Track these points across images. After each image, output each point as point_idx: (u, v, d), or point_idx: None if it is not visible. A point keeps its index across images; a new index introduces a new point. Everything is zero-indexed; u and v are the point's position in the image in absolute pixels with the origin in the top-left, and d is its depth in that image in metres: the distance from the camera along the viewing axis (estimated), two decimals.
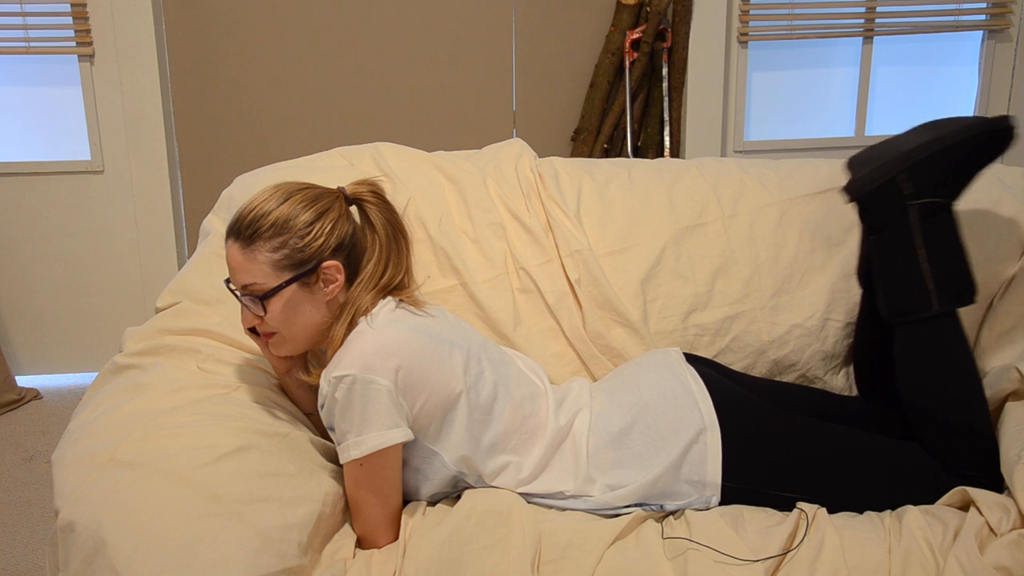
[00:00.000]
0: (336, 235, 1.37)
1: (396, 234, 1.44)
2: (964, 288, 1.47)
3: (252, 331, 1.41)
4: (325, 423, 1.33)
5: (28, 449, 2.70)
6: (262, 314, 1.36)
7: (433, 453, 1.35)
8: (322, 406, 1.32)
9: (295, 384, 1.51)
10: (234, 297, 1.43)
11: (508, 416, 1.41)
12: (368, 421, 1.27)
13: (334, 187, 1.43)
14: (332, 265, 1.36)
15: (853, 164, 1.58)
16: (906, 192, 1.47)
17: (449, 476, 1.37)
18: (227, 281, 1.40)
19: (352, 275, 1.40)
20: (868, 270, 1.63)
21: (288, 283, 1.35)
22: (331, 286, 1.37)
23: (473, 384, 1.37)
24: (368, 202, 1.42)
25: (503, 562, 1.22)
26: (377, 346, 1.30)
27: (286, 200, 1.36)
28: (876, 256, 1.52)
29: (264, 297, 1.35)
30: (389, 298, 1.40)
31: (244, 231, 1.34)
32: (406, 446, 1.34)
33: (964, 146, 1.47)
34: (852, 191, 1.53)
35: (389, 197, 1.46)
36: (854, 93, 3.37)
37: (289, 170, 1.83)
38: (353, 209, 1.45)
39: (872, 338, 1.66)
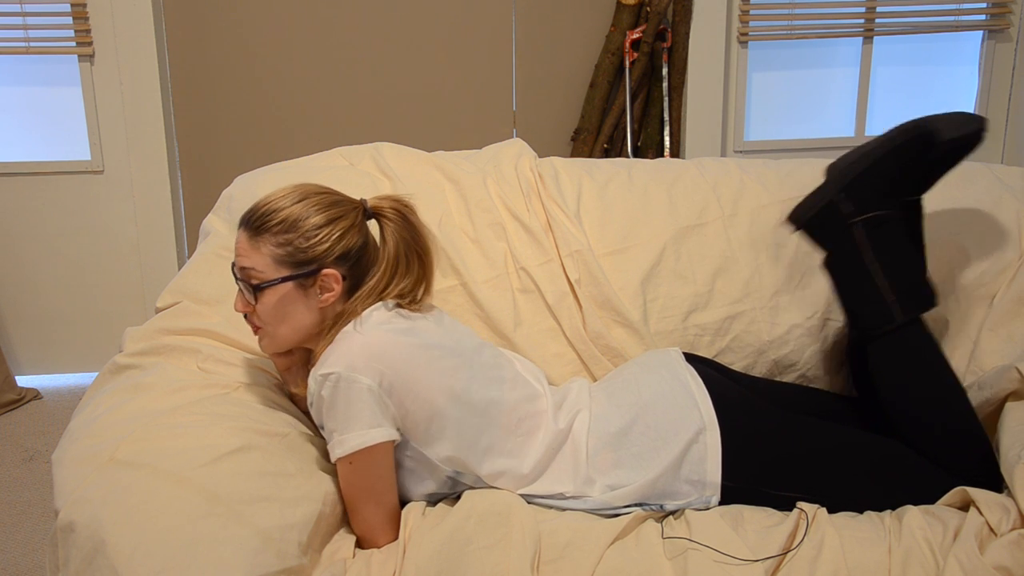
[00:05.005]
0: (343, 244, 1.37)
1: (410, 254, 1.41)
2: (923, 295, 1.49)
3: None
4: (315, 421, 1.34)
5: (28, 449, 2.70)
6: (253, 303, 1.37)
7: (424, 454, 1.35)
8: (311, 404, 1.32)
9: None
10: (236, 291, 1.43)
11: (504, 419, 1.40)
12: (351, 419, 1.27)
13: (360, 196, 1.43)
14: (331, 274, 1.36)
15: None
16: (846, 211, 1.50)
17: (444, 477, 1.37)
18: (233, 264, 1.40)
19: (354, 287, 1.40)
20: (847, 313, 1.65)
21: (284, 280, 1.35)
22: (327, 294, 1.37)
23: (464, 388, 1.37)
24: (387, 218, 1.40)
25: (503, 562, 1.22)
26: (362, 347, 1.30)
27: (301, 200, 1.36)
28: (833, 278, 1.55)
29: (258, 287, 1.36)
30: (381, 302, 1.39)
31: (254, 222, 1.36)
32: (397, 447, 1.34)
33: (893, 156, 1.50)
34: (795, 219, 1.55)
35: (415, 218, 1.42)
36: (854, 93, 3.37)
37: (289, 170, 1.83)
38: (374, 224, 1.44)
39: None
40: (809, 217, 1.52)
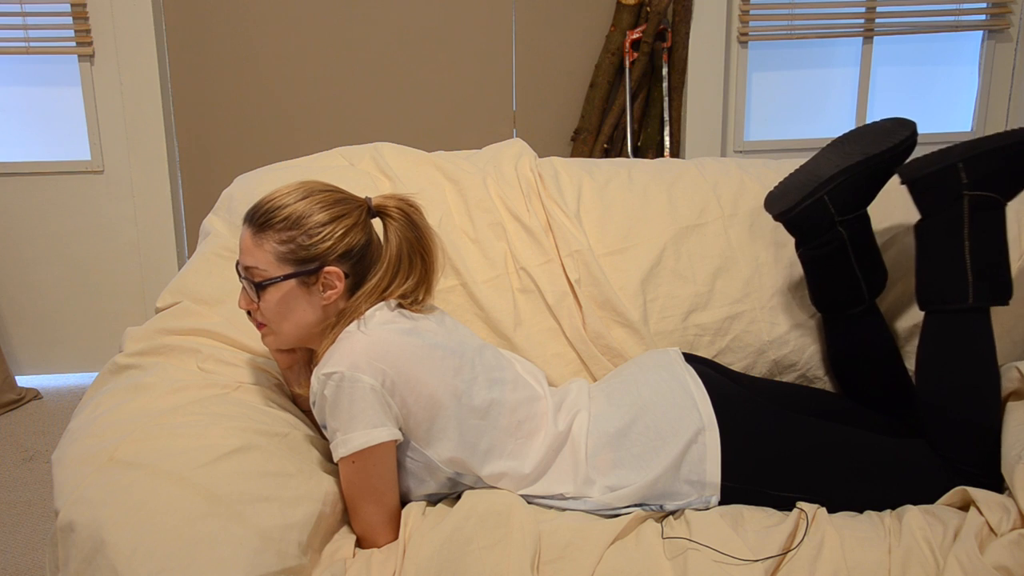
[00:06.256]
0: (346, 242, 1.36)
1: (413, 254, 1.41)
2: (1001, 287, 1.48)
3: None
4: (318, 421, 1.34)
5: (28, 449, 2.70)
6: (256, 301, 1.37)
7: (425, 455, 1.35)
8: (314, 403, 1.33)
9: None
10: (236, 291, 1.43)
11: (504, 420, 1.40)
12: (355, 419, 1.27)
13: (362, 196, 1.43)
14: (334, 272, 1.36)
15: (773, 199, 1.64)
16: (963, 181, 1.48)
17: (445, 477, 1.37)
18: (237, 262, 1.40)
19: (357, 285, 1.40)
20: (821, 296, 1.65)
21: (287, 277, 1.35)
22: (329, 292, 1.37)
23: (466, 389, 1.37)
24: (391, 217, 1.40)
25: (503, 562, 1.22)
26: (366, 347, 1.30)
27: (305, 198, 1.36)
28: (921, 241, 1.53)
29: (261, 285, 1.36)
30: (383, 302, 1.39)
31: (258, 219, 1.36)
32: (399, 447, 1.34)
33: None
34: (908, 173, 1.53)
35: (420, 217, 1.42)
36: (854, 93, 3.37)
37: (289, 170, 1.83)
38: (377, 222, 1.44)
39: (847, 360, 1.67)
40: (925, 174, 1.50)
